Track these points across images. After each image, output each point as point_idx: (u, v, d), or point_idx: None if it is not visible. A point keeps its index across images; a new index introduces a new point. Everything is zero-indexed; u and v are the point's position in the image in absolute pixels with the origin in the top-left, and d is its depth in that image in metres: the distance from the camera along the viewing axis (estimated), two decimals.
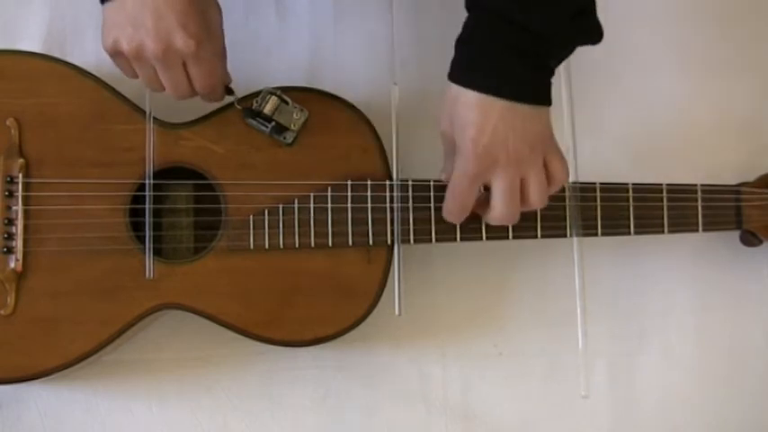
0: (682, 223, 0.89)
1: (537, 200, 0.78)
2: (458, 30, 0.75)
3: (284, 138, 0.83)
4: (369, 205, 0.84)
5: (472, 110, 0.73)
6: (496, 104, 0.73)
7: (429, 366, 0.93)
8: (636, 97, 0.99)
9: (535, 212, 0.85)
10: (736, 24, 1.01)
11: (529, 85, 0.74)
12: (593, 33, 0.76)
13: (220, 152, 0.83)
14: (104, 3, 0.75)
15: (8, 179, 0.81)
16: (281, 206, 0.83)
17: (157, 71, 0.76)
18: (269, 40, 0.95)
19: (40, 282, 0.80)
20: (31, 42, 0.90)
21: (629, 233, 0.87)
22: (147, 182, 0.81)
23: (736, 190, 0.91)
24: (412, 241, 0.85)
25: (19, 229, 0.80)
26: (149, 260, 0.81)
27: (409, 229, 0.84)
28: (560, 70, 0.94)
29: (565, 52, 0.76)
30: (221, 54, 0.79)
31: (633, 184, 0.88)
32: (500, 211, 0.78)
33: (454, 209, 0.80)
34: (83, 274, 0.81)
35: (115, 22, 0.74)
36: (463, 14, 0.75)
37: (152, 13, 0.72)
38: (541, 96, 0.76)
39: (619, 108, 0.98)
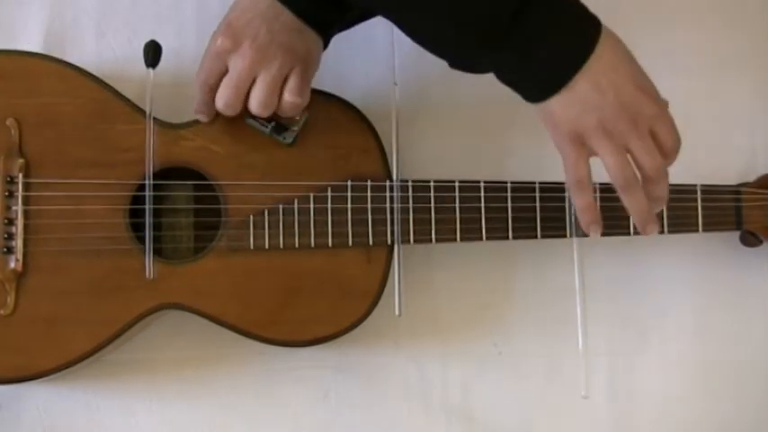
0: (682, 223, 0.89)
1: (256, 100, 0.78)
2: None
3: (284, 138, 0.83)
4: (369, 205, 0.84)
5: None
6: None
7: (429, 366, 0.93)
8: None
9: (534, 214, 0.85)
10: (736, 24, 1.01)
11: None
12: None
13: (220, 152, 0.83)
14: (541, 101, 0.70)
15: (8, 179, 0.81)
16: (281, 206, 0.83)
17: (630, 143, 0.72)
18: None
19: (40, 282, 0.80)
20: (30, 42, 0.90)
21: (628, 233, 0.87)
22: (147, 182, 0.81)
23: (736, 190, 0.91)
24: (412, 241, 0.85)
25: (19, 229, 0.80)
26: (149, 260, 0.81)
27: (409, 229, 0.84)
28: None
29: None
30: None
31: None
32: (222, 91, 0.78)
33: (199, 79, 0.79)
34: (83, 274, 0.81)
35: (567, 114, 0.71)
36: None
37: (610, 86, 0.69)
38: (303, 8, 0.76)
39: None
